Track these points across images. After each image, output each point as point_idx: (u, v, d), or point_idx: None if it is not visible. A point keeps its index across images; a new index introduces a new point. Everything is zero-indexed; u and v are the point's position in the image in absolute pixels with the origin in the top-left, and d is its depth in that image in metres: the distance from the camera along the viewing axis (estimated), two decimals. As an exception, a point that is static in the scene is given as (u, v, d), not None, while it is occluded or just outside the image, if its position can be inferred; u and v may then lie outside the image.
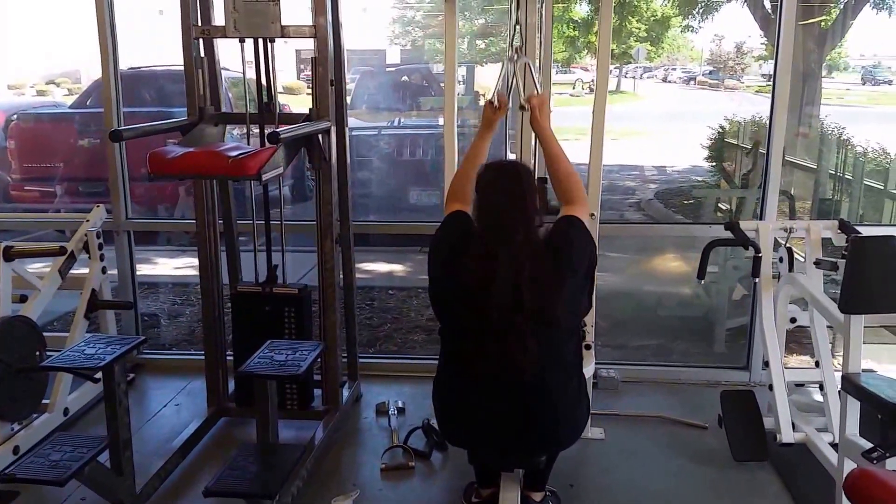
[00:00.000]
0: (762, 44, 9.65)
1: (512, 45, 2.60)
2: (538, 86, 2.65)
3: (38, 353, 2.78)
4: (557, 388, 2.00)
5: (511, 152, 2.91)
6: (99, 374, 2.31)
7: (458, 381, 2.05)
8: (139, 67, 5.86)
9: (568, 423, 2.06)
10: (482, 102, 3.04)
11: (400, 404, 3.14)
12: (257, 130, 2.87)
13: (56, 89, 9.46)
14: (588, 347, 2.71)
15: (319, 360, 2.78)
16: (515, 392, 1.96)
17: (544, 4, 2.85)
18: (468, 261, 1.94)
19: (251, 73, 2.80)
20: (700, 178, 7.03)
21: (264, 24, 2.66)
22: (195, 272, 3.07)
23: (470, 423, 2.06)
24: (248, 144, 2.81)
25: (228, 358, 3.09)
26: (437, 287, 2.10)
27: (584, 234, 2.09)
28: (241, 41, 2.74)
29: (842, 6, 6.67)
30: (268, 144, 2.45)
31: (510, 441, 2.03)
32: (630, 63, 12.06)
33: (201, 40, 2.82)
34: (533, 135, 2.55)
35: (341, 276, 3.05)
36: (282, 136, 2.36)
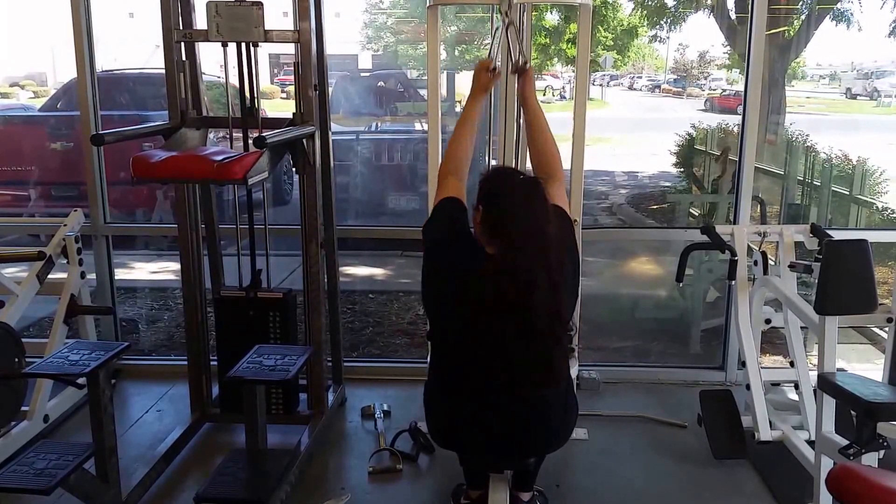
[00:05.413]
0: (725, 53, 9.86)
1: (503, 12, 2.50)
2: (524, 52, 2.64)
3: (16, 359, 2.72)
4: (553, 395, 2.01)
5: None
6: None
7: (454, 391, 2.02)
8: (111, 70, 5.78)
9: (562, 426, 2.07)
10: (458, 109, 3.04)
11: (385, 407, 3.15)
12: (238, 134, 2.85)
13: (21, 91, 9.26)
14: (572, 351, 2.76)
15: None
16: (515, 402, 1.96)
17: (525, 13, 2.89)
18: (478, 279, 1.85)
19: (229, 77, 2.79)
20: (669, 184, 7.16)
21: (247, 28, 2.65)
22: (173, 276, 3.04)
23: (466, 431, 2.04)
24: (231, 148, 2.79)
25: (212, 363, 3.07)
26: (439, 299, 2.02)
27: (569, 228, 2.10)
28: (224, 45, 2.73)
29: (804, 17, 6.87)
30: (252, 149, 2.44)
31: (506, 446, 2.04)
32: (597, 71, 12.23)
33: (182, 44, 2.80)
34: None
35: (325, 279, 3.05)
36: (268, 140, 2.36)
